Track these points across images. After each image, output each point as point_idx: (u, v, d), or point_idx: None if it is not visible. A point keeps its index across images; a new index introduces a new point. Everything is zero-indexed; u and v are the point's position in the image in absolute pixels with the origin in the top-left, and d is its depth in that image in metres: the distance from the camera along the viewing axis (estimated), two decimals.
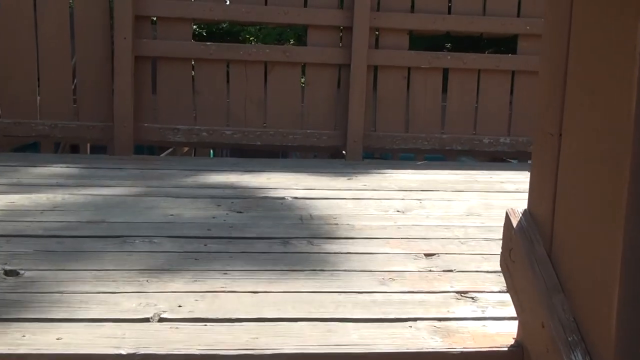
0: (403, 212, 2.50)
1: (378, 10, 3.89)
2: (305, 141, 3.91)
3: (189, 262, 1.78)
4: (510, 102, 4.07)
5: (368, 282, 1.68)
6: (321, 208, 2.50)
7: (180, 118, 3.79)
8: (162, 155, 4.87)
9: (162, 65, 3.77)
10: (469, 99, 4.02)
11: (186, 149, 5.51)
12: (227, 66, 3.84)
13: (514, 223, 1.23)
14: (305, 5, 3.86)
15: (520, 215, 1.25)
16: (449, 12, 3.98)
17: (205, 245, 1.96)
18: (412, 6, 3.94)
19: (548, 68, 1.25)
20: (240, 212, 2.39)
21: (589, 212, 1.05)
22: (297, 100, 3.91)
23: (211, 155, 6.39)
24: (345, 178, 3.19)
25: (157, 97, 3.82)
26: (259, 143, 3.88)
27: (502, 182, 3.26)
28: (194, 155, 5.50)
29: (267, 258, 1.86)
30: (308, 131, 3.89)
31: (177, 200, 2.53)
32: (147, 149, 4.85)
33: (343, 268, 1.79)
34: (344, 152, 3.91)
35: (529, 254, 1.17)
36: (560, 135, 1.16)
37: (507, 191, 3.04)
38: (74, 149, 5.02)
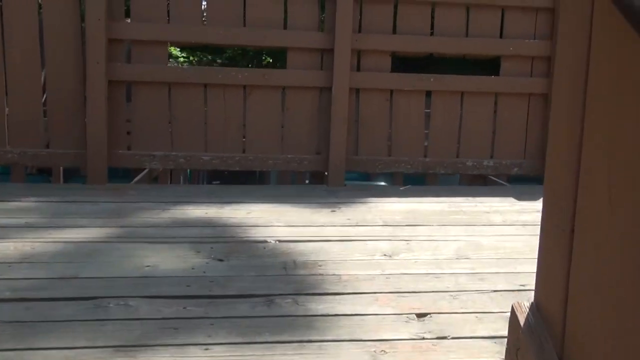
0: (390, 256, 2.41)
1: (360, 32, 3.80)
2: (286, 166, 3.81)
3: (167, 334, 1.67)
4: (494, 124, 4.01)
5: (359, 356, 1.59)
6: (306, 253, 2.40)
7: (156, 144, 3.66)
8: (137, 177, 4.72)
9: (137, 90, 3.63)
10: (452, 121, 3.95)
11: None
12: (205, 90, 3.72)
13: (521, 321, 1.15)
14: (285, 27, 3.76)
15: (527, 310, 1.16)
16: (432, 34, 3.90)
17: (184, 308, 1.84)
18: (394, 27, 3.85)
19: (556, 163, 1.16)
20: (221, 260, 2.28)
21: (611, 311, 0.96)
22: (277, 124, 3.80)
23: (189, 176, 6.24)
24: (329, 210, 3.09)
25: (132, 123, 3.68)
26: (237, 168, 3.77)
27: (487, 212, 3.19)
28: (171, 176, 5.34)
29: (251, 325, 1.75)
30: (289, 156, 3.79)
31: (153, 247, 2.41)
32: (122, 170, 4.70)
33: (331, 337, 1.69)
34: (326, 172, 3.82)
35: (538, 358, 1.08)
36: (573, 231, 1.08)
37: (495, 224, 2.98)
38: (48, 169, 4.85)
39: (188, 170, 6.35)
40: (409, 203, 3.32)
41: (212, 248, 2.41)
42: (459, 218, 3.06)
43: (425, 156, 3.94)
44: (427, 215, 3.07)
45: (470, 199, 3.46)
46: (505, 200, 3.49)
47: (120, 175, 5.06)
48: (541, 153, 4.03)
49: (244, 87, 3.73)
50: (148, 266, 2.19)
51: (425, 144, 3.96)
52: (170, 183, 5.35)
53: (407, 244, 2.57)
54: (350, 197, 3.44)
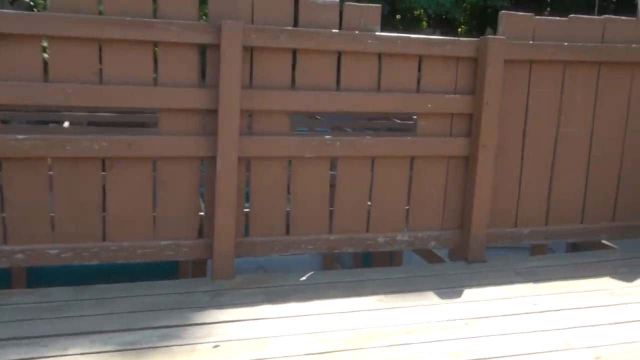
0: None
1: (251, 87, 3.08)
2: (160, 255, 3.06)
3: None
4: (409, 192, 3.45)
5: None
6: None
7: None
8: None
9: None
10: (361, 191, 3.35)
11: None
12: (51, 165, 2.88)
13: None
14: (156, 82, 2.97)
15: None
16: (338, 89, 3.24)
17: None
18: (293, 81, 3.16)
19: None
20: None
21: None
22: (148, 203, 3.02)
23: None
24: (204, 344, 2.39)
25: None
26: (97, 262, 2.97)
27: (408, 333, 2.60)
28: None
29: None
30: (163, 242, 3.04)
31: None
32: None
33: None
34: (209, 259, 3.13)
35: None
36: None
37: None
38: None
39: None
40: (316, 324, 2.69)
41: None
42: (373, 356, 2.45)
43: (330, 233, 3.32)
44: (334, 355, 2.44)
45: (391, 305, 2.88)
46: (435, 306, 2.94)
47: None
48: (460, 222, 3.52)
49: (103, 159, 2.92)
50: None
51: (331, 220, 3.34)
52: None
53: None
54: (242, 299, 2.76)
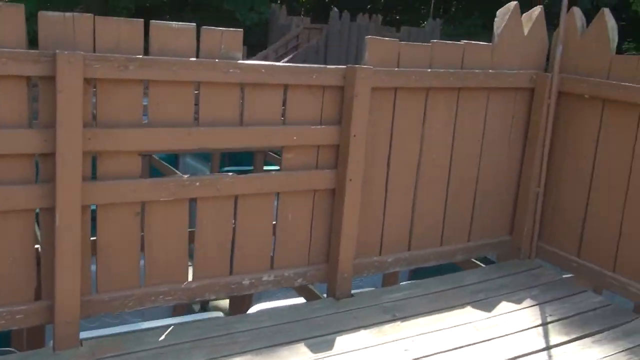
0: None
1: (95, 125, 2.66)
2: None
3: None
4: (274, 229, 3.23)
5: None
6: None
7: None
8: None
9: None
10: (224, 232, 3.07)
11: None
12: None
13: None
14: None
15: None
16: (197, 124, 2.91)
17: None
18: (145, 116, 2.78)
19: None
20: None
21: None
22: None
23: None
24: None
25: None
26: None
27: None
28: None
29: None
30: None
31: None
32: None
33: None
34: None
35: None
36: None
37: None
38: None
39: None
40: None
41: None
42: None
43: (190, 281, 3.02)
44: None
45: None
46: None
47: None
48: (327, 256, 3.38)
49: None
50: None
51: (190, 264, 3.03)
52: None
53: None
54: None
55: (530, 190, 3.95)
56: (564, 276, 3.88)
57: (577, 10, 3.86)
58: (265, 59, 13.83)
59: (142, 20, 2.71)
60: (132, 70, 2.65)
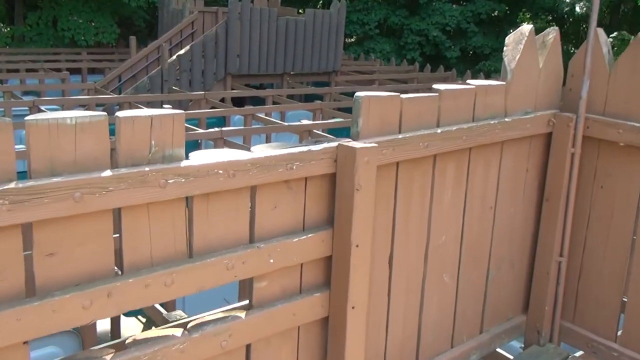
0: None
1: None
2: None
3: None
4: None
5: None
6: None
7: None
8: None
9: None
10: None
11: None
12: None
13: None
14: None
15: None
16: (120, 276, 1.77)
17: None
18: None
19: None
20: None
21: None
22: None
23: None
24: None
25: None
26: None
27: None
28: None
29: None
30: None
31: None
32: None
33: None
34: None
35: None
36: None
37: None
38: None
39: None
40: None
41: None
42: None
43: None
44: None
45: None
46: None
47: None
48: None
49: None
50: None
51: None
52: None
53: None
54: None
55: (551, 258, 3.11)
56: None
57: (601, 33, 3.00)
58: (158, 50, 12.36)
59: None
60: None
